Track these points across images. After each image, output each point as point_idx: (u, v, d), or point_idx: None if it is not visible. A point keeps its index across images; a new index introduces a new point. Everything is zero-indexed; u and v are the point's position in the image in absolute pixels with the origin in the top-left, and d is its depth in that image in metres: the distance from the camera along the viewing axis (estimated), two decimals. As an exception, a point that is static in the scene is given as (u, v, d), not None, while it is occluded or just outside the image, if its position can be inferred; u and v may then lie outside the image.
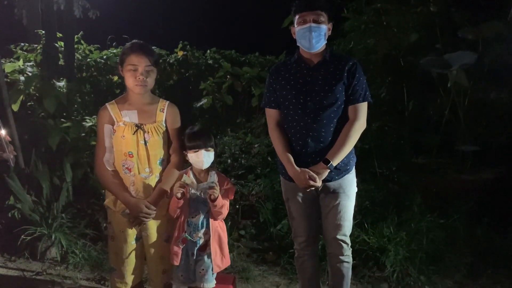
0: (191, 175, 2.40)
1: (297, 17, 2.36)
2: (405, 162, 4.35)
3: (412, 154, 4.49)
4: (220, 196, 2.31)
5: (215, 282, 2.45)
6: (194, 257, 2.39)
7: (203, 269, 2.39)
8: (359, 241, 3.44)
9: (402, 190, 4.02)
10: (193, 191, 2.37)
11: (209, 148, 2.34)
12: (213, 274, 2.43)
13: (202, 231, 2.38)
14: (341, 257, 2.50)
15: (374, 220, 3.64)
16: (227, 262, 2.46)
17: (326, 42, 2.39)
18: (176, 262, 2.39)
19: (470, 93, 4.27)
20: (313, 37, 2.31)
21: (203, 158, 2.32)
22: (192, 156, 2.35)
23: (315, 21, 2.30)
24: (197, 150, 2.32)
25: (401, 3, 4.42)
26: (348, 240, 2.51)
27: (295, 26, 2.38)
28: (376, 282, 3.28)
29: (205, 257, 2.40)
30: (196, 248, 2.39)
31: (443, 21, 4.43)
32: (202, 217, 2.37)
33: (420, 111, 4.52)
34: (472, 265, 3.36)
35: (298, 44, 2.41)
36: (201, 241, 2.39)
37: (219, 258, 2.41)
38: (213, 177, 2.41)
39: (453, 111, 4.30)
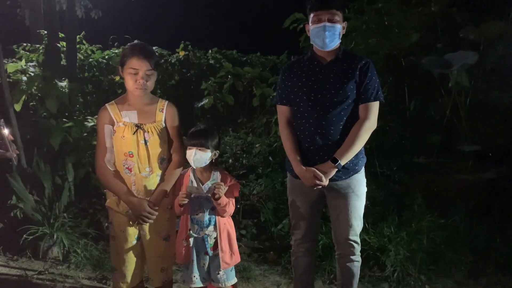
0: (192, 175, 2.41)
1: (312, 15, 2.34)
2: (406, 161, 4.34)
3: (413, 154, 4.48)
4: (223, 194, 2.30)
5: (235, 279, 2.47)
6: (209, 256, 2.38)
7: (220, 268, 2.38)
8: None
9: (402, 190, 4.02)
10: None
11: (203, 148, 2.31)
12: (231, 270, 2.44)
13: (210, 228, 2.37)
14: (352, 257, 2.48)
15: (375, 220, 3.64)
16: (236, 259, 2.45)
17: (340, 41, 2.37)
18: (180, 260, 2.40)
19: (471, 93, 4.26)
20: (327, 36, 2.29)
21: (192, 156, 2.31)
22: (186, 153, 2.36)
23: (330, 20, 2.28)
24: (190, 148, 2.33)
25: (402, 3, 4.41)
26: (358, 240, 2.49)
27: (310, 24, 2.36)
28: (377, 281, 3.28)
29: (219, 255, 2.38)
30: (208, 247, 2.37)
31: (444, 21, 4.42)
32: (207, 214, 2.36)
33: (421, 111, 4.50)
34: (473, 264, 3.36)
35: (311, 42, 2.38)
36: (210, 239, 2.37)
37: (228, 256, 2.40)
38: (216, 175, 2.40)
39: (454, 111, 4.29)
